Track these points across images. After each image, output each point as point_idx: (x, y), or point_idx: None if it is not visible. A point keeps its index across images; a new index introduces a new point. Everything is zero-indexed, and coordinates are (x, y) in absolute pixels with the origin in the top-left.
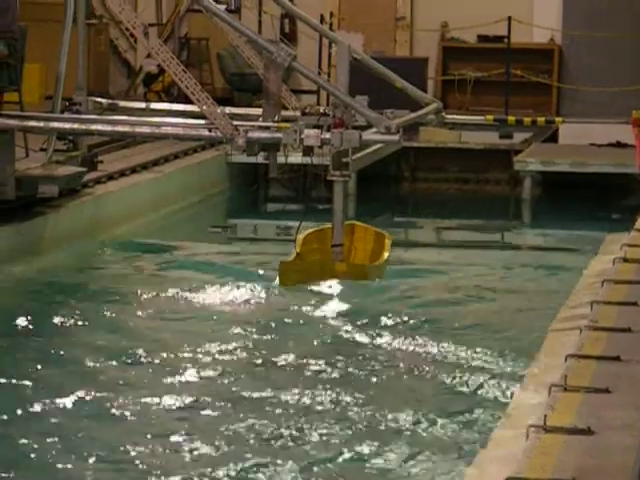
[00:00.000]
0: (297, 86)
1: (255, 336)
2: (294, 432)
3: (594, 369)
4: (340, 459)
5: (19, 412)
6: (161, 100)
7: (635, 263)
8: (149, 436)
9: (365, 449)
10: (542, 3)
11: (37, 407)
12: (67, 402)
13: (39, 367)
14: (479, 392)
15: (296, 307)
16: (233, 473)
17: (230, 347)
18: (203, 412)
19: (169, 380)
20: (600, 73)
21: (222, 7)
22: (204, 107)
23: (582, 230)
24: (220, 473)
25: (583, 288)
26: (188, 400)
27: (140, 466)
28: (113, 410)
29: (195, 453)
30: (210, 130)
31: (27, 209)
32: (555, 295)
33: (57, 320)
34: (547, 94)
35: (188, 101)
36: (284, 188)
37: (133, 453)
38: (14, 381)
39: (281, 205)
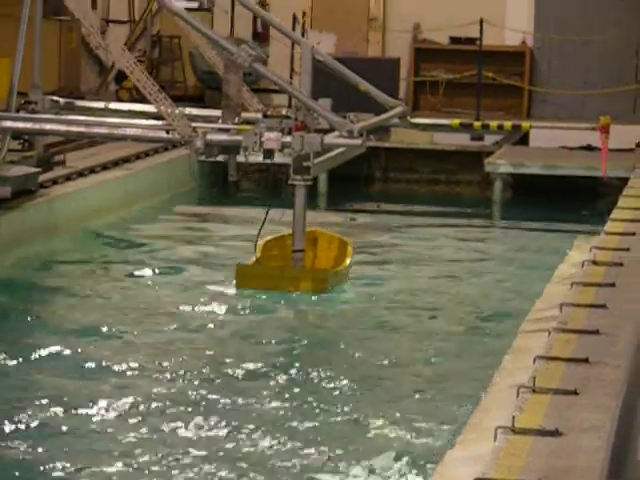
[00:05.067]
0: (270, 85)
1: (211, 337)
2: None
3: (563, 371)
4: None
5: None
6: (132, 97)
7: (604, 266)
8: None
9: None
10: (514, 6)
11: None
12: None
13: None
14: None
15: (249, 310)
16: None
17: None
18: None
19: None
20: (571, 76)
21: (183, 4)
22: (162, 107)
23: (552, 232)
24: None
25: (552, 290)
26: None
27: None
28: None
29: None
30: (168, 132)
31: None
32: (524, 298)
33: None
34: (519, 96)
35: None
36: (254, 186)
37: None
38: None
39: (249, 204)
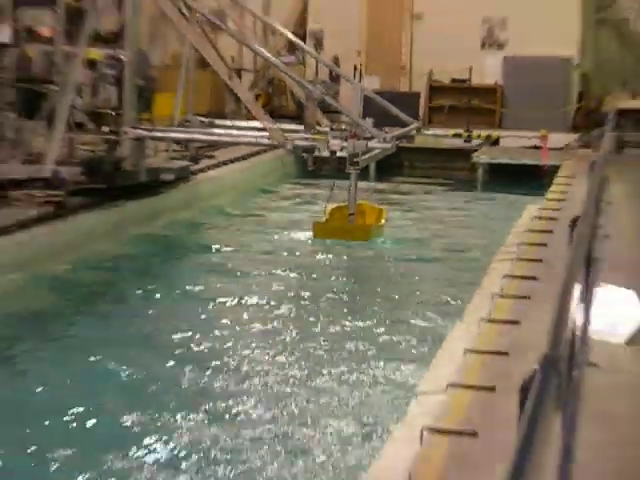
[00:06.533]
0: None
1: (297, 264)
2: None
3: (520, 284)
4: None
5: None
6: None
7: (545, 220)
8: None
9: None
10: (490, 61)
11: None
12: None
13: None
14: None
15: (322, 251)
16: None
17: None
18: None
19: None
20: (525, 103)
21: (284, 60)
22: (266, 124)
23: (513, 199)
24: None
25: (513, 235)
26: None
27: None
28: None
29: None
30: (269, 139)
31: (153, 189)
32: (494, 233)
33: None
34: (493, 115)
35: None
36: (328, 171)
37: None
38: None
39: (327, 182)
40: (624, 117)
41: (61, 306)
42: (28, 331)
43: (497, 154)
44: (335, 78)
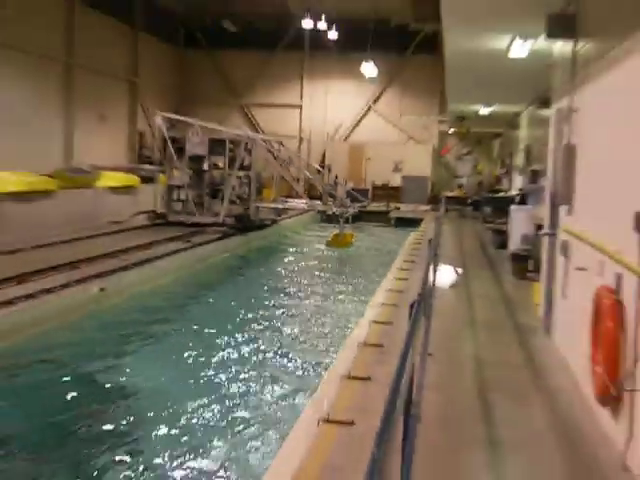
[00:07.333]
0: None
1: (318, 258)
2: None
3: (407, 265)
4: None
5: None
6: (300, 197)
7: (419, 238)
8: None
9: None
10: (396, 176)
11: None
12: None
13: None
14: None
15: (330, 250)
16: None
17: (311, 260)
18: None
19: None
20: (407, 194)
21: (317, 176)
22: (307, 200)
23: (405, 230)
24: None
25: (406, 245)
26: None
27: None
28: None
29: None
30: (308, 207)
31: (259, 228)
32: (397, 246)
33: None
34: (398, 198)
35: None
36: (333, 219)
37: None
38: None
39: (331, 223)
40: (449, 199)
41: (238, 266)
42: (229, 273)
43: (400, 213)
44: (335, 183)
